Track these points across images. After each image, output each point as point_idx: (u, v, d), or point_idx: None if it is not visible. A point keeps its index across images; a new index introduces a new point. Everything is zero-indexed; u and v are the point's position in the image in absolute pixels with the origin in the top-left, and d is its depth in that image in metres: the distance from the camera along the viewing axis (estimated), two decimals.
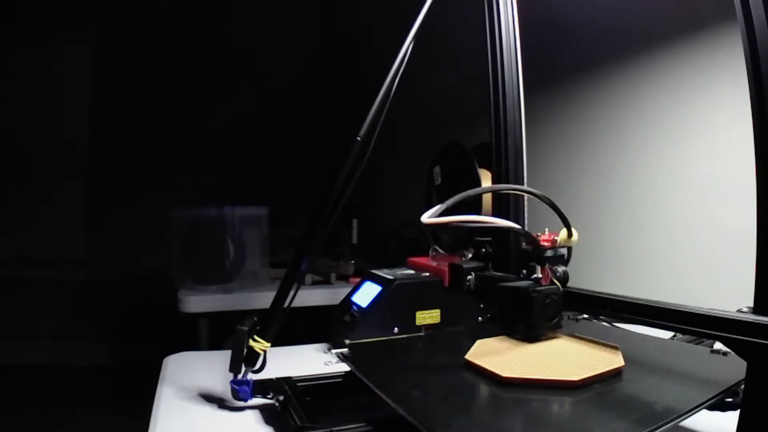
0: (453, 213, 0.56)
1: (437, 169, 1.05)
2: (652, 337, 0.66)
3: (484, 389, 0.51)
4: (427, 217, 0.54)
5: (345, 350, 0.65)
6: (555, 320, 0.58)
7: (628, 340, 0.66)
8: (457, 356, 0.58)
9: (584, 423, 0.43)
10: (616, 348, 0.55)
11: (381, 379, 0.56)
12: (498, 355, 0.56)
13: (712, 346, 0.64)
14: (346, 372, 0.68)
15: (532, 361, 0.53)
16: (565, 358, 0.54)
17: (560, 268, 0.60)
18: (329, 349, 0.67)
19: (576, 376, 0.49)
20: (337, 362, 0.66)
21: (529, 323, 0.58)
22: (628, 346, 0.56)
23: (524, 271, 0.64)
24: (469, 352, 0.57)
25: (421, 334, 0.75)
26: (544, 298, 0.57)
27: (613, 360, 0.52)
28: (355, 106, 2.55)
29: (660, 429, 0.40)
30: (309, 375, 0.67)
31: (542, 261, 0.61)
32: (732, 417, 0.51)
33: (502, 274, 0.72)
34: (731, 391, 0.46)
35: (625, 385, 0.50)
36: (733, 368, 0.48)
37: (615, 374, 0.51)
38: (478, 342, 0.61)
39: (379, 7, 2.48)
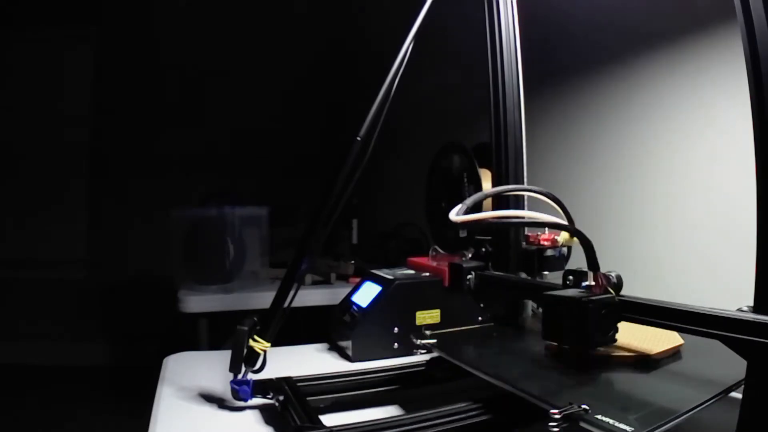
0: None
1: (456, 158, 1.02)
2: None
3: (570, 367, 0.56)
4: (455, 215, 0.52)
5: (434, 340, 0.67)
6: (611, 334, 0.52)
7: None
8: (530, 342, 0.63)
9: (667, 385, 0.51)
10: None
11: (480, 363, 0.59)
12: None
13: None
14: (431, 359, 0.70)
15: None
16: (632, 336, 0.57)
17: (614, 274, 0.53)
18: (416, 339, 0.67)
19: (648, 351, 0.54)
20: (425, 352, 0.67)
21: (584, 338, 0.50)
22: None
23: (570, 277, 0.57)
24: None
25: (491, 323, 0.77)
26: (600, 309, 0.50)
27: (673, 337, 0.58)
28: (355, 106, 2.55)
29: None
30: (309, 375, 0.67)
31: (596, 266, 0.53)
32: None
33: (502, 273, 0.72)
34: None
35: (687, 360, 0.57)
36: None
37: (677, 350, 0.58)
38: None
39: (379, 9, 2.48)
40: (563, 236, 0.62)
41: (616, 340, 0.53)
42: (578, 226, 0.61)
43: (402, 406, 0.65)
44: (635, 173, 1.06)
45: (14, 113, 3.10)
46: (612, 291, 0.51)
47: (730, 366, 0.47)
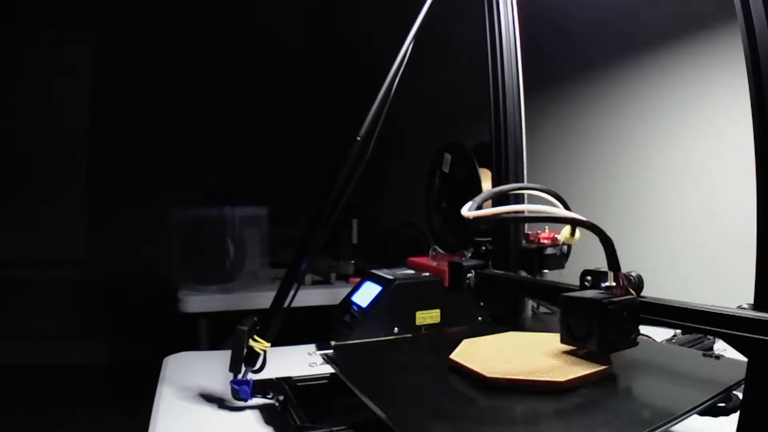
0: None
1: (447, 156, 1.03)
2: (644, 339, 0.66)
3: (467, 391, 0.50)
4: (467, 210, 0.49)
5: (330, 351, 0.64)
6: (632, 336, 0.48)
7: None
8: (443, 357, 0.56)
9: (568, 428, 0.42)
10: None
11: (364, 381, 0.54)
12: (484, 355, 0.54)
13: (708, 349, 0.64)
14: (331, 374, 0.67)
15: (518, 361, 0.51)
16: (552, 357, 0.52)
17: (634, 274, 0.50)
18: (315, 350, 0.66)
19: (562, 376, 0.47)
20: (321, 363, 0.66)
21: (605, 340, 0.47)
22: None
23: (588, 278, 0.55)
24: (454, 352, 0.56)
25: (409, 335, 0.73)
26: (622, 311, 0.47)
27: (600, 361, 0.50)
28: (356, 106, 2.55)
29: None
30: (309, 375, 0.67)
31: (616, 266, 0.50)
32: (723, 422, 0.50)
33: (502, 272, 0.72)
34: (723, 395, 0.45)
35: (611, 389, 0.48)
36: (725, 372, 0.48)
37: (603, 376, 0.49)
38: (465, 341, 0.59)
39: (379, 12, 2.48)
40: (563, 234, 0.62)
41: (638, 343, 0.49)
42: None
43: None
44: (634, 173, 1.06)
45: (14, 113, 3.10)
46: (633, 292, 0.49)
47: (651, 402, 0.45)
